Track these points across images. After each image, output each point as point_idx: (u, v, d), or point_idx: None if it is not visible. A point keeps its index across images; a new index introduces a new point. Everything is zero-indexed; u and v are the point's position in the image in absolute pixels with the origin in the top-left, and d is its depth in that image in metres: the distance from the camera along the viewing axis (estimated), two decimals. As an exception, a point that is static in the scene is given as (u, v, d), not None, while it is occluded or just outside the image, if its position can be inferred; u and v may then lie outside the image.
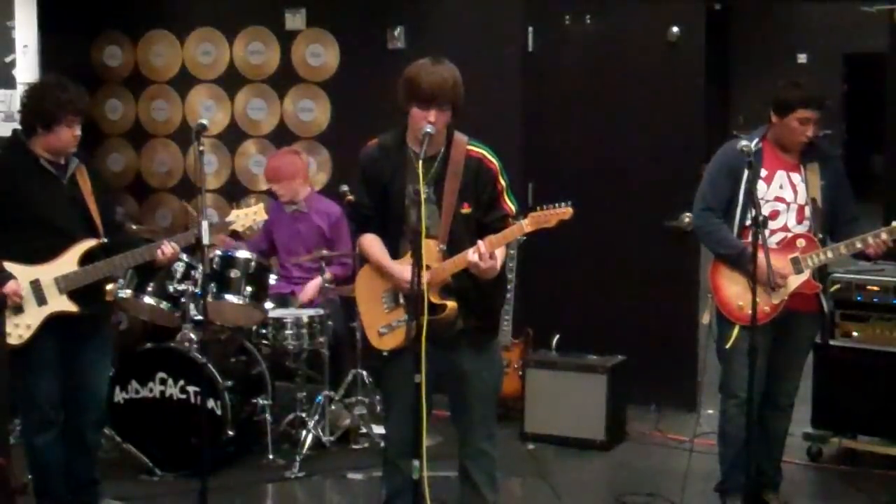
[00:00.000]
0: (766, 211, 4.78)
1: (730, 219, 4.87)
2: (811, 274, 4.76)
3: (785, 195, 4.84)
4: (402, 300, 4.18)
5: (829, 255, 4.74)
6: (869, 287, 5.61)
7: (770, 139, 4.88)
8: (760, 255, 4.62)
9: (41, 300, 4.61)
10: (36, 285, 4.60)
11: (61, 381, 4.75)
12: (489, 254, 3.99)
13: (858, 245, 4.70)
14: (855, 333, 5.64)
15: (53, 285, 4.62)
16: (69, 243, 4.65)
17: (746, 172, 4.78)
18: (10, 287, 4.55)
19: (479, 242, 3.99)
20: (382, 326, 4.22)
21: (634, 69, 6.71)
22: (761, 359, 4.77)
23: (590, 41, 6.82)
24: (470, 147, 4.16)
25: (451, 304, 4.07)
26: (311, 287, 6.22)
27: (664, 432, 6.28)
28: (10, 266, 4.59)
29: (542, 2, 6.91)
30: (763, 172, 4.83)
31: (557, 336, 6.39)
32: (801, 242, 4.76)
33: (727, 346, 4.88)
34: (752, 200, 4.49)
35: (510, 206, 4.19)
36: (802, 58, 16.14)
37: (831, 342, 5.70)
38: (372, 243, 4.25)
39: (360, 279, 4.34)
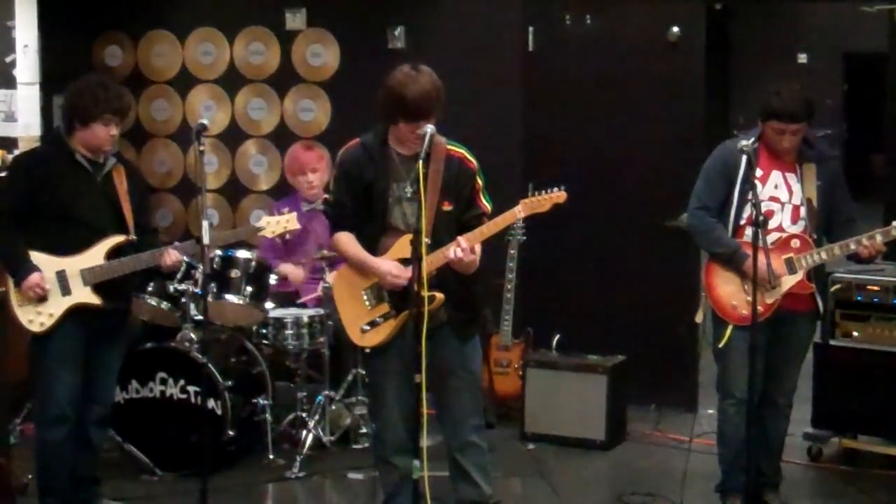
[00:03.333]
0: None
1: (725, 218, 4.87)
2: (805, 274, 4.75)
3: (780, 195, 4.83)
4: (386, 296, 4.22)
5: (824, 255, 4.73)
6: (869, 287, 5.61)
7: (765, 139, 4.87)
8: (759, 256, 4.63)
9: (65, 290, 4.70)
10: (61, 276, 4.70)
11: (81, 378, 4.80)
12: (471, 248, 4.06)
13: (853, 246, 4.69)
14: (855, 333, 5.64)
15: (78, 276, 4.70)
16: (98, 238, 4.75)
17: (742, 171, 4.78)
18: (32, 279, 4.64)
19: (460, 238, 4.09)
20: (366, 323, 4.26)
21: (634, 69, 6.71)
22: (758, 359, 4.77)
23: (590, 41, 6.82)
24: (449, 147, 4.26)
25: (440, 296, 4.14)
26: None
27: (664, 432, 6.28)
28: (38, 256, 4.69)
29: (542, 2, 6.91)
30: (758, 172, 4.81)
31: (557, 336, 6.39)
32: (795, 243, 4.76)
33: (720, 345, 4.89)
34: (753, 201, 4.48)
35: (485, 204, 4.32)
36: (802, 58, 16.15)
37: (831, 342, 5.70)
38: (349, 241, 4.34)
39: (338, 278, 4.40)
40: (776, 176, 4.84)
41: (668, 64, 6.63)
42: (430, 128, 4.02)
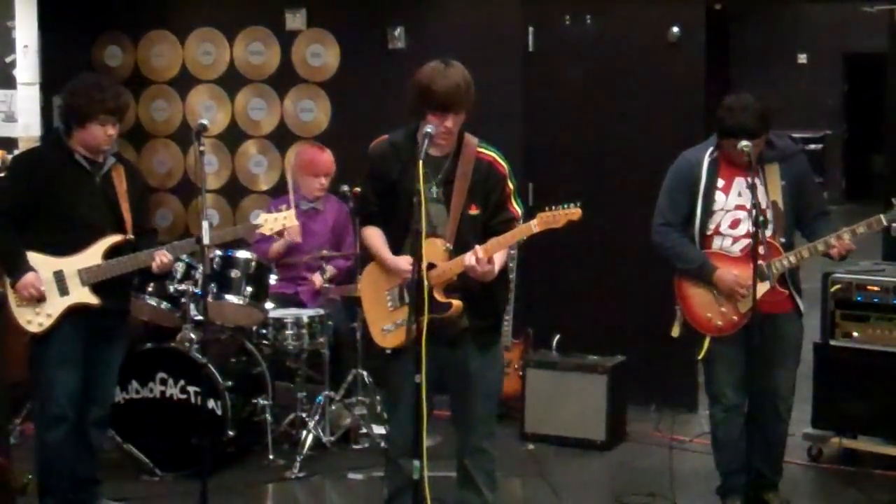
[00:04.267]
0: (727, 220, 4.76)
1: (690, 230, 4.82)
2: (777, 279, 4.67)
3: (745, 202, 4.72)
4: (406, 299, 4.19)
5: (793, 259, 4.65)
6: (869, 287, 5.61)
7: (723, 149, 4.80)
8: (725, 268, 4.67)
9: (63, 291, 4.70)
10: (59, 276, 4.69)
11: (81, 378, 4.79)
12: (487, 259, 4.01)
13: (821, 248, 4.63)
14: (855, 333, 5.64)
15: (76, 277, 4.70)
16: (96, 238, 4.74)
17: (703, 181, 4.75)
18: (27, 279, 4.64)
19: (477, 247, 4.01)
20: (386, 325, 4.22)
21: (634, 69, 6.71)
22: (739, 365, 4.77)
23: (590, 41, 6.82)
24: (480, 149, 4.19)
25: (457, 303, 4.08)
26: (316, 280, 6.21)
27: (664, 432, 6.28)
28: (35, 256, 4.69)
29: (542, 2, 6.91)
30: (720, 182, 4.77)
31: (557, 336, 6.39)
32: (763, 249, 4.62)
33: (699, 357, 4.87)
34: (753, 202, 4.45)
35: (516, 209, 4.23)
36: (802, 58, 16.17)
37: (831, 342, 5.69)
38: (373, 235, 4.29)
39: (366, 276, 4.36)
40: (739, 183, 4.75)
41: (668, 64, 6.63)
42: (429, 128, 4.00)
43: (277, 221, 4.90)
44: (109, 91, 4.75)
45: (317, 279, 6.18)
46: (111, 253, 4.75)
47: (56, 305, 4.70)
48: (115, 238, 4.78)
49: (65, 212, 4.71)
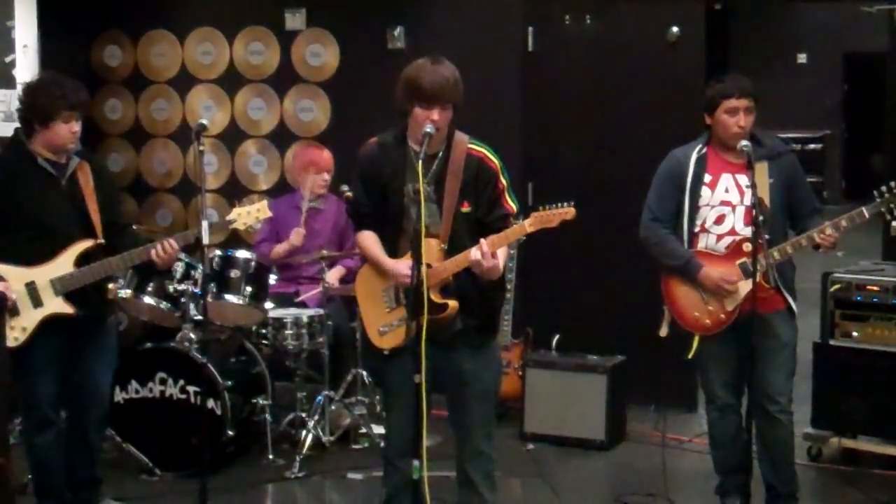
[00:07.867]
0: (712, 216, 4.76)
1: (679, 227, 4.82)
2: (763, 276, 4.60)
3: (731, 198, 4.73)
4: (402, 299, 4.18)
5: (777, 255, 4.62)
6: (869, 287, 5.61)
7: (714, 143, 4.82)
8: (708, 267, 4.68)
9: (37, 302, 4.58)
10: (31, 287, 4.57)
11: (62, 382, 4.73)
12: (491, 253, 3.99)
13: (804, 242, 4.61)
14: (855, 333, 5.64)
15: (49, 287, 4.58)
16: (65, 245, 4.61)
17: (690, 178, 4.77)
18: None
19: (482, 241, 3.99)
20: (383, 325, 4.22)
21: (634, 69, 6.71)
22: (729, 365, 4.77)
23: (590, 41, 6.82)
24: (471, 146, 4.17)
25: (453, 304, 4.07)
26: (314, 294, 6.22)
27: (664, 432, 6.27)
28: (4, 268, 4.56)
29: (542, 2, 6.91)
30: (707, 178, 4.77)
31: (557, 336, 6.39)
32: (747, 246, 4.59)
33: (689, 356, 4.84)
34: (753, 201, 4.45)
35: (511, 205, 4.19)
36: (802, 58, 16.18)
37: (831, 342, 5.70)
38: (369, 240, 4.26)
39: (360, 278, 4.35)
40: (726, 178, 4.76)
41: (668, 64, 6.62)
42: (429, 127, 3.99)
43: (251, 215, 4.73)
44: (69, 86, 4.63)
45: (332, 276, 6.15)
46: (83, 259, 4.62)
47: (31, 318, 4.56)
48: (85, 244, 4.64)
49: (31, 221, 4.58)
